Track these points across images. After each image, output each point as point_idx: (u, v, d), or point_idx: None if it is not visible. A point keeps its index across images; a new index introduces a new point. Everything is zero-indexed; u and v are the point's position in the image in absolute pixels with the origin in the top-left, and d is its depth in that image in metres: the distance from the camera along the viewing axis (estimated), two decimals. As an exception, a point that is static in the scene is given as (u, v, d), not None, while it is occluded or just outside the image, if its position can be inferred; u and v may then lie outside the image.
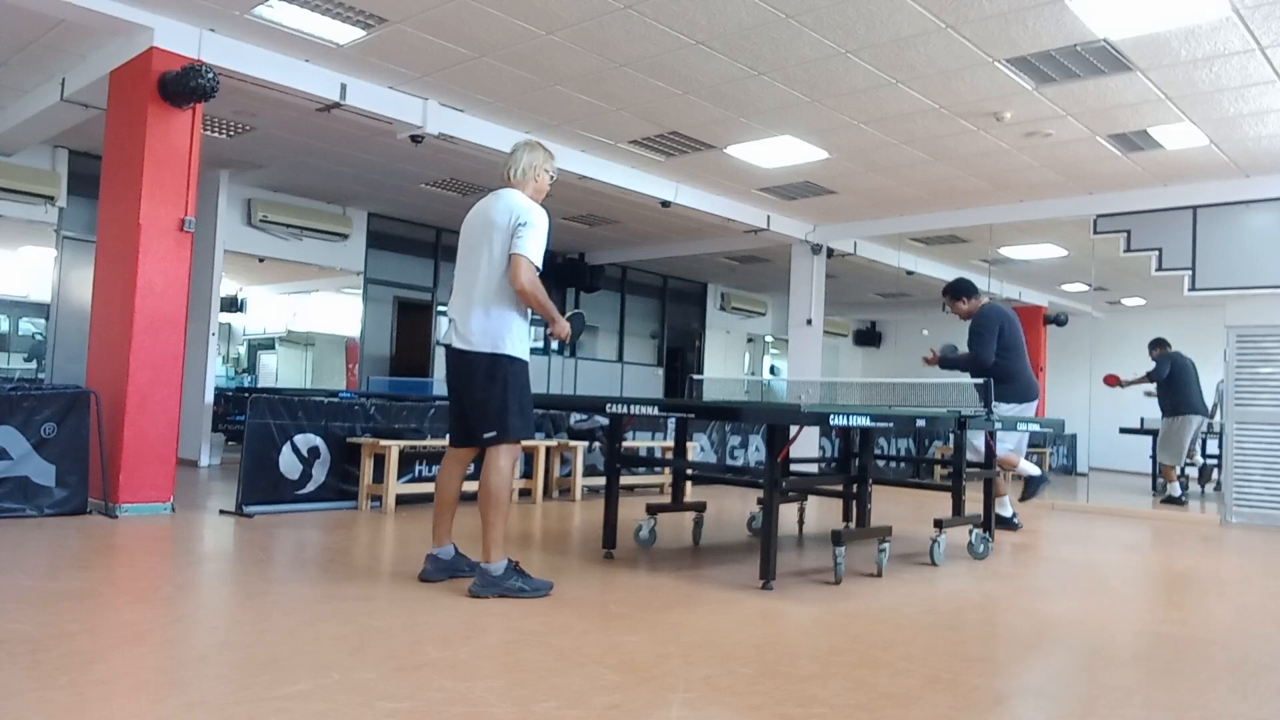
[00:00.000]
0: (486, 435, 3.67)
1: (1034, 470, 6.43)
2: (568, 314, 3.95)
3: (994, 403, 6.10)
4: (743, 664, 2.84)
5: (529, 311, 3.76)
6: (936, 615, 3.73)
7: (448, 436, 4.02)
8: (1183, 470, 9.74)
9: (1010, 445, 6.31)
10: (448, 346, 3.79)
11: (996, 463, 6.21)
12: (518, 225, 3.63)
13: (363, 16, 5.46)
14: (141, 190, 5.49)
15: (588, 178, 8.07)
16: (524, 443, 3.89)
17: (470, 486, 4.10)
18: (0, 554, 4.06)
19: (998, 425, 5.48)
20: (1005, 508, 6.48)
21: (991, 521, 5.51)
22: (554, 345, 3.89)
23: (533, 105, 6.88)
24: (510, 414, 3.65)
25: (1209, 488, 9.42)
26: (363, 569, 4.20)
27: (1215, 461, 10.24)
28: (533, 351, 3.85)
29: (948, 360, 6.45)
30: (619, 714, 2.34)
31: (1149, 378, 9.39)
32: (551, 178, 3.98)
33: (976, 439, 6.05)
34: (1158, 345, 9.44)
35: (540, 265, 3.68)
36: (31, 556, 4.10)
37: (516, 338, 3.70)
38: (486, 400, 3.65)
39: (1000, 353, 6.27)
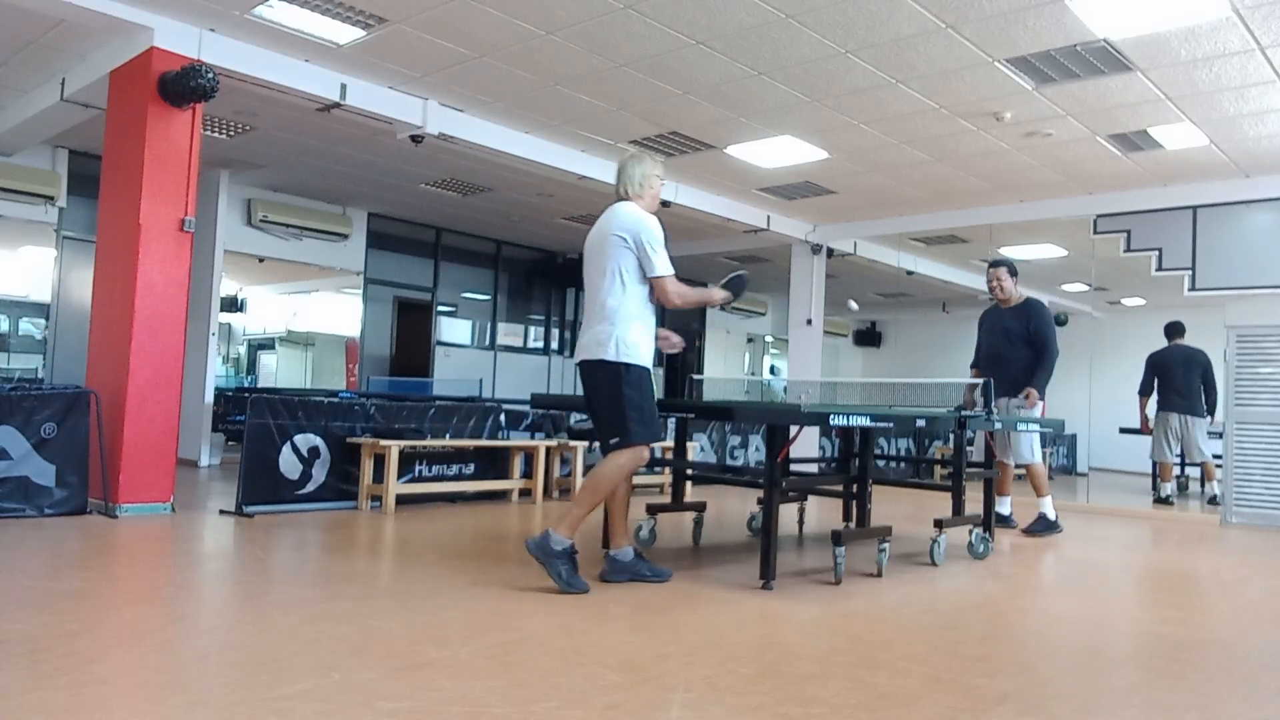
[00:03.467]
0: (611, 442, 3.85)
1: (1052, 514, 6.33)
2: (724, 280, 4.19)
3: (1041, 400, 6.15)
4: (743, 664, 2.84)
5: (652, 322, 3.98)
6: (936, 615, 3.73)
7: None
8: (1183, 470, 9.69)
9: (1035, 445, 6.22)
10: (579, 361, 3.98)
11: (1027, 471, 6.21)
12: (639, 246, 3.84)
13: (363, 16, 5.46)
14: (141, 190, 5.49)
15: (588, 178, 8.06)
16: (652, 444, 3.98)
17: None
18: (0, 554, 4.06)
19: (997, 425, 5.48)
20: (1004, 506, 6.47)
21: (991, 521, 5.51)
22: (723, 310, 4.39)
23: (533, 105, 6.88)
24: (630, 420, 3.80)
25: (1210, 486, 9.34)
26: (363, 569, 4.20)
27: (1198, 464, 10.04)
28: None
29: (1043, 383, 6.21)
30: (619, 714, 2.34)
31: (1139, 394, 9.21)
32: (662, 178, 4.17)
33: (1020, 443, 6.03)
34: (1165, 333, 9.18)
35: (673, 270, 3.89)
36: (31, 556, 4.10)
37: (636, 347, 3.86)
38: (610, 407, 3.84)
39: (1032, 347, 6.26)
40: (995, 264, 6.54)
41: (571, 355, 13.05)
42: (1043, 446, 6.39)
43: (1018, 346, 6.27)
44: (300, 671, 2.57)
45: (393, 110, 6.67)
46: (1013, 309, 6.40)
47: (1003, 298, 6.43)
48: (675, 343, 4.19)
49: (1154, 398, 9.43)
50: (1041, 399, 6.15)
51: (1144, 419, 9.29)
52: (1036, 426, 5.89)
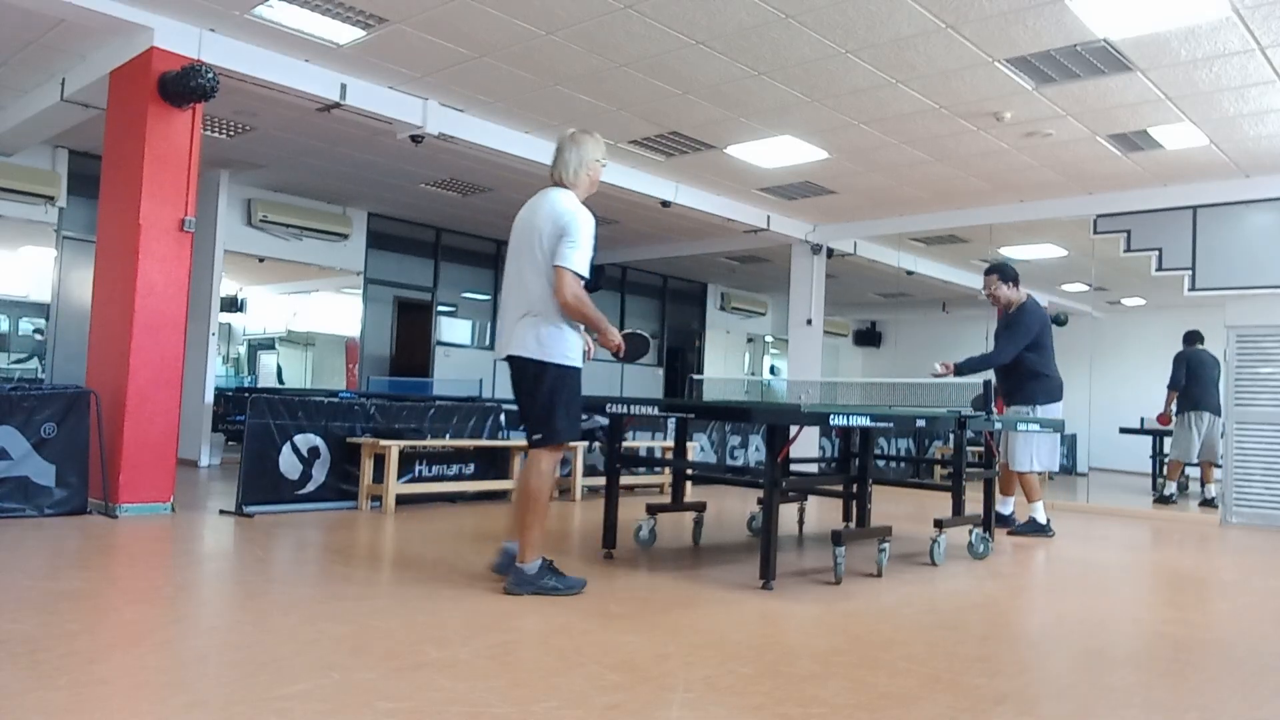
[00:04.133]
0: (534, 438, 3.71)
1: (1042, 518, 6.24)
2: (627, 331, 3.94)
3: (1033, 404, 6.06)
4: (743, 664, 2.84)
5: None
6: (936, 615, 3.73)
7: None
8: (1202, 476, 9.68)
9: (1044, 450, 6.09)
10: (505, 357, 3.79)
11: (1020, 479, 6.16)
12: (562, 235, 3.61)
13: (363, 16, 5.46)
14: (141, 190, 5.49)
15: (588, 178, 8.06)
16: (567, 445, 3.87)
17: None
18: (0, 554, 4.06)
19: (997, 425, 5.48)
20: (1006, 505, 6.44)
21: (991, 521, 5.51)
22: (603, 354, 3.82)
23: (533, 105, 6.88)
24: (557, 418, 3.68)
25: (1208, 489, 9.37)
26: (363, 569, 4.20)
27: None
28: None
29: (965, 367, 6.01)
30: (619, 714, 2.34)
31: (1171, 388, 9.15)
32: (601, 163, 3.93)
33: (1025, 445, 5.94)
34: (1184, 340, 9.22)
35: (587, 274, 3.66)
36: (31, 556, 4.10)
37: (566, 346, 3.69)
38: (535, 404, 3.69)
39: (1038, 352, 6.11)
40: (989, 270, 6.30)
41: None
42: (1059, 449, 6.18)
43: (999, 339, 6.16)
44: (300, 671, 2.57)
45: (393, 110, 6.67)
46: (1010, 314, 6.21)
47: (1003, 304, 6.25)
48: (612, 343, 3.83)
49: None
50: (962, 375, 5.90)
51: (1169, 412, 9.23)
52: (1036, 428, 5.85)
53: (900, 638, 3.30)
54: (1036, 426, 5.87)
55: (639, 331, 4.02)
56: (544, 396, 3.67)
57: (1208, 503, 8.92)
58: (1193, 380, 9.04)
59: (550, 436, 3.68)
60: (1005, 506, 6.41)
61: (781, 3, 5.01)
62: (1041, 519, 6.25)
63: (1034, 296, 6.43)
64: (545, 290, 3.64)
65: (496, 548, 3.98)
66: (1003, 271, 6.27)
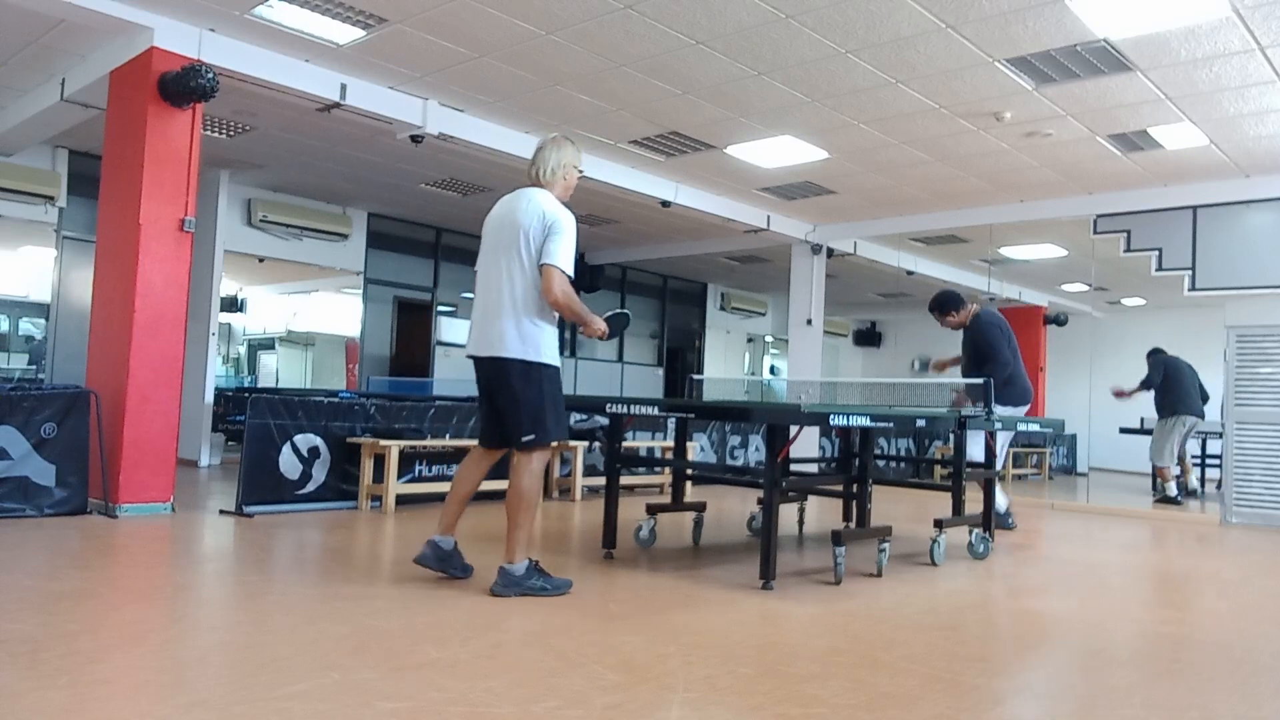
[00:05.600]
0: (525, 439, 3.67)
1: (1004, 504, 6.33)
2: (608, 313, 3.93)
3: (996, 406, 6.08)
4: (743, 664, 2.84)
5: (555, 315, 3.74)
6: (936, 615, 3.73)
7: (478, 437, 4.02)
8: (1182, 471, 9.77)
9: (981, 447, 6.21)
10: (474, 357, 3.76)
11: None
12: (548, 233, 3.60)
13: (363, 16, 5.46)
14: (141, 190, 5.49)
15: (588, 178, 8.06)
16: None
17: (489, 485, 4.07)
18: (0, 554, 4.06)
19: (998, 425, 5.48)
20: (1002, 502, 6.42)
21: (991, 521, 5.51)
22: (600, 356, 3.90)
23: (533, 105, 6.88)
24: (548, 418, 3.66)
25: (1209, 487, 9.45)
26: (363, 569, 4.20)
27: (1199, 462, 10.32)
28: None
29: (992, 399, 6.15)
30: (619, 714, 2.34)
31: (1144, 385, 9.45)
32: (579, 170, 3.92)
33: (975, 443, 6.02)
34: (1152, 354, 9.54)
35: (571, 272, 3.66)
36: (31, 556, 4.10)
37: (549, 344, 3.70)
38: (523, 405, 3.65)
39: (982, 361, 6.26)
40: (930, 308, 6.58)
41: (572, 356, 13.13)
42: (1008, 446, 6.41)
43: (976, 362, 6.33)
44: (300, 671, 2.57)
45: (393, 110, 6.67)
46: (968, 328, 6.45)
47: (953, 328, 6.52)
48: (596, 330, 3.81)
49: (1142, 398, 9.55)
50: (987, 405, 5.85)
51: (1131, 393, 9.50)
52: (1032, 426, 5.88)
53: (900, 638, 3.30)
54: (1036, 427, 5.90)
55: (616, 310, 4.01)
56: (533, 396, 3.64)
57: (1190, 493, 9.33)
58: (1174, 385, 9.31)
59: (543, 436, 3.66)
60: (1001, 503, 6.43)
61: (781, 3, 5.01)
62: (1003, 508, 6.36)
63: (984, 307, 6.62)
64: (531, 288, 3.63)
65: (425, 539, 3.93)
66: (942, 305, 6.52)
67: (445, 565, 3.87)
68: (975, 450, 6.07)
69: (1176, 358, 9.43)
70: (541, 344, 3.66)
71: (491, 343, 3.68)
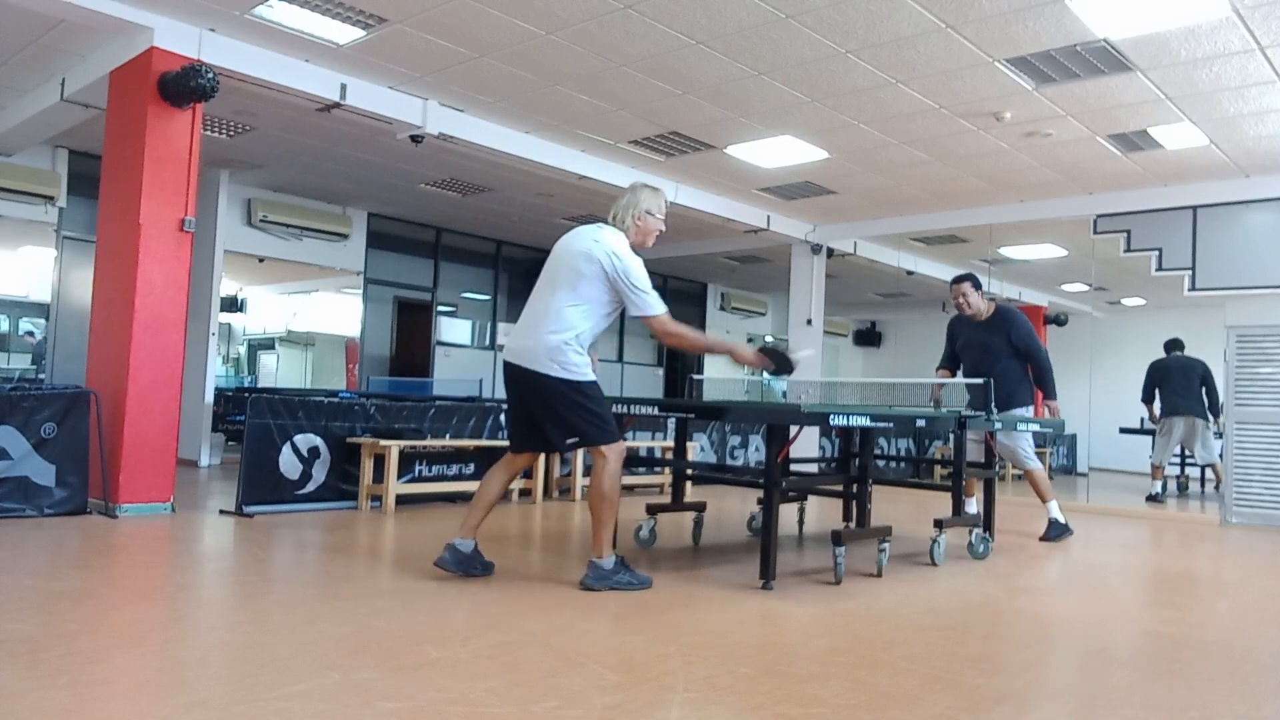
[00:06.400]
0: (569, 441, 3.84)
1: (1062, 516, 6.22)
2: (762, 346, 4.08)
3: (1026, 405, 6.10)
4: (743, 664, 2.84)
5: (593, 345, 3.89)
6: (936, 615, 3.73)
7: (508, 442, 4.13)
8: (1182, 470, 9.77)
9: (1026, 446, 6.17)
10: (510, 363, 3.88)
11: (1029, 476, 6.17)
12: (625, 284, 3.76)
13: (363, 16, 5.46)
14: (141, 190, 5.49)
15: (588, 178, 8.07)
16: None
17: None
18: (0, 554, 4.06)
19: (998, 425, 5.48)
20: (971, 506, 6.28)
21: (993, 521, 5.51)
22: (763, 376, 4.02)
23: (533, 105, 6.88)
24: (604, 420, 3.80)
25: (1209, 488, 9.48)
26: (363, 569, 4.20)
27: (1192, 465, 10.38)
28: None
29: (1053, 388, 6.15)
30: (619, 714, 2.34)
31: (1142, 399, 9.56)
32: (655, 217, 4.04)
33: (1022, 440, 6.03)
34: (1165, 349, 9.53)
35: (662, 311, 3.82)
36: (31, 556, 4.10)
37: (585, 364, 3.82)
38: (569, 415, 3.77)
39: (1017, 356, 6.16)
40: (959, 279, 6.28)
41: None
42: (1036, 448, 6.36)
43: (1002, 359, 6.10)
44: (300, 671, 2.57)
45: (393, 110, 6.67)
46: (986, 322, 6.21)
47: (971, 313, 6.23)
48: (747, 358, 4.06)
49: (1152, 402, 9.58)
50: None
51: (1152, 416, 9.65)
52: (1025, 427, 5.85)
53: (900, 638, 3.30)
54: (1036, 427, 5.88)
55: (778, 349, 4.12)
56: (580, 406, 3.77)
57: (1181, 489, 9.46)
58: (1163, 387, 9.37)
59: (586, 440, 3.80)
60: (971, 507, 6.29)
61: (781, 3, 5.01)
62: (1062, 517, 6.21)
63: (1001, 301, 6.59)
64: (571, 318, 3.76)
65: (445, 542, 3.99)
66: (975, 279, 6.31)
67: (465, 567, 3.91)
68: (1022, 449, 6.07)
69: (1166, 359, 9.42)
70: (570, 363, 3.76)
71: (526, 353, 3.81)
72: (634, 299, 3.79)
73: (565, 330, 3.75)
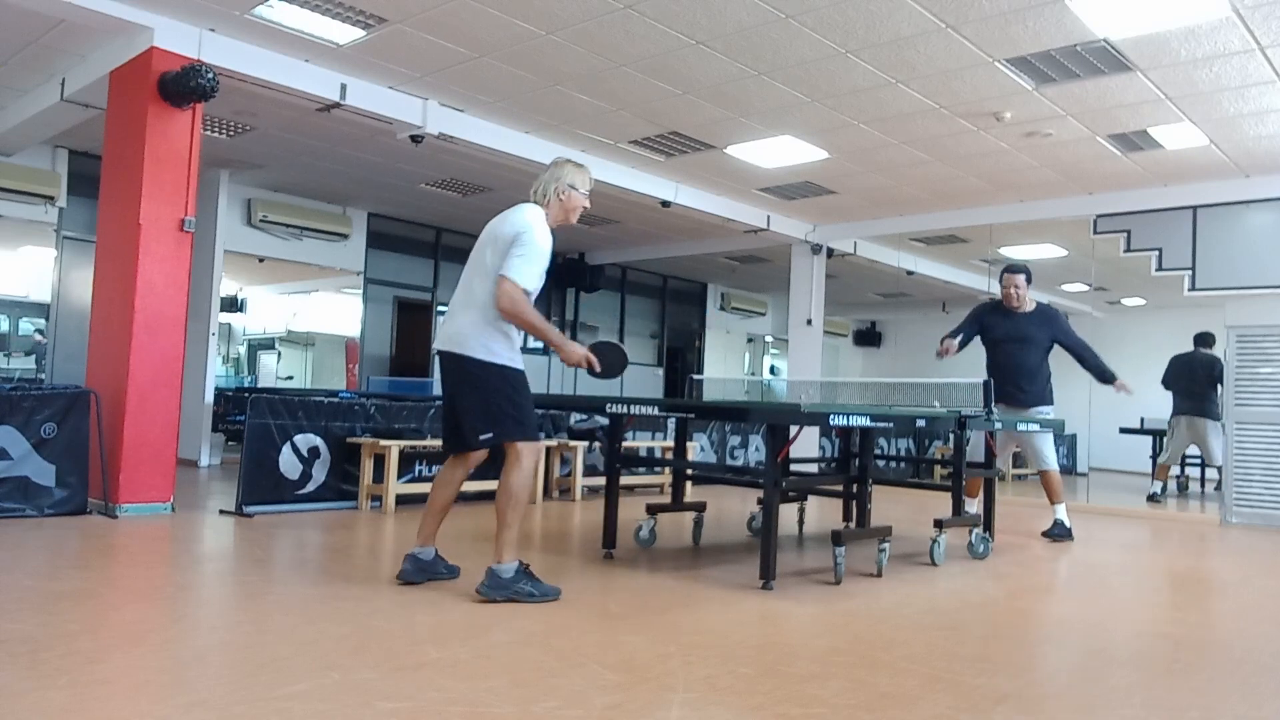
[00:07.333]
0: (483, 437, 3.64)
1: (1067, 520, 6.26)
2: (594, 342, 3.86)
3: (1044, 405, 6.17)
4: (743, 664, 2.84)
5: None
6: (936, 615, 3.73)
7: (442, 445, 3.98)
8: (1182, 470, 9.76)
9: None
10: (440, 351, 3.75)
11: (1045, 476, 6.19)
12: (513, 245, 3.58)
13: (363, 16, 5.46)
14: (141, 190, 5.49)
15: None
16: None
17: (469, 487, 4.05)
18: (0, 554, 4.06)
19: (998, 425, 5.48)
20: (972, 506, 6.26)
21: (993, 521, 5.50)
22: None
23: (533, 105, 6.88)
24: (506, 417, 3.62)
25: (1209, 488, 9.47)
26: (363, 569, 4.20)
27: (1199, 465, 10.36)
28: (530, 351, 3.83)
29: (1107, 372, 6.24)
30: (619, 714, 2.34)
31: (1163, 385, 9.49)
32: (579, 191, 3.83)
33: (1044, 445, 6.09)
34: (1194, 342, 9.42)
35: (531, 289, 3.59)
36: (31, 556, 4.10)
37: (507, 348, 3.66)
38: (479, 402, 3.63)
39: (1043, 355, 6.22)
40: (1014, 269, 6.28)
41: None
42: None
43: (1038, 355, 6.18)
44: (300, 671, 2.57)
45: (393, 110, 6.67)
46: (1028, 315, 6.22)
47: (1015, 304, 6.25)
48: (573, 357, 3.73)
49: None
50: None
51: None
52: (1033, 427, 5.86)
53: (900, 638, 3.30)
54: (1036, 427, 5.89)
55: (610, 341, 3.87)
56: (489, 394, 3.61)
57: (1181, 489, 9.48)
58: (1175, 385, 9.29)
59: (501, 435, 3.62)
60: (972, 508, 6.29)
61: (781, 3, 5.01)
62: (1068, 521, 6.24)
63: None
64: (489, 296, 3.60)
65: (405, 553, 3.88)
66: (1029, 273, 6.31)
67: (428, 574, 3.85)
68: (1047, 450, 6.18)
69: (1184, 355, 9.27)
70: (503, 349, 3.63)
71: (451, 337, 3.68)
72: (511, 260, 3.53)
73: (490, 311, 3.60)
